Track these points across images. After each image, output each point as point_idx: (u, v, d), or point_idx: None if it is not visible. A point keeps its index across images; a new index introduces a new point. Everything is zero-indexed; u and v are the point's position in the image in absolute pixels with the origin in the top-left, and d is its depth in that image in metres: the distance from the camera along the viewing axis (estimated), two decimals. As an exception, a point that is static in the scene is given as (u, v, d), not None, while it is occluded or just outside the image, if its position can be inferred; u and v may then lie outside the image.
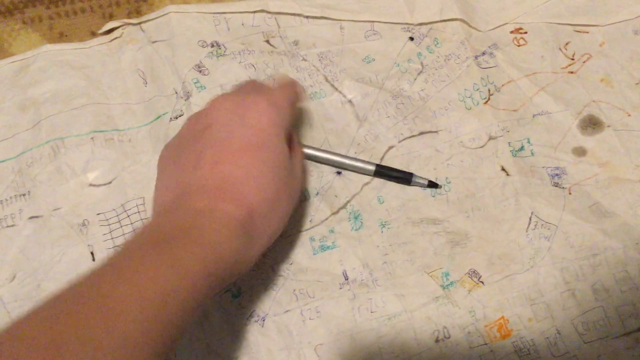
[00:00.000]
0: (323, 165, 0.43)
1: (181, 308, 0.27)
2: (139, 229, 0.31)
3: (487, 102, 0.45)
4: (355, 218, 0.42)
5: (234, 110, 0.35)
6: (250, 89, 0.38)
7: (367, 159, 0.43)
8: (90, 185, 0.43)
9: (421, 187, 0.43)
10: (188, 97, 0.44)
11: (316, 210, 0.42)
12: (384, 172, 0.43)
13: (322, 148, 0.43)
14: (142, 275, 0.27)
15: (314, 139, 0.44)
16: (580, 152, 0.44)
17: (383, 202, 0.42)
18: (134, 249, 0.29)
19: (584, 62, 0.46)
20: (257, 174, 0.33)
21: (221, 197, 0.32)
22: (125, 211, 0.42)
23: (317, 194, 0.43)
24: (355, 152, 0.44)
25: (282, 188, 0.34)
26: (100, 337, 0.24)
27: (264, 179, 0.33)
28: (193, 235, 0.30)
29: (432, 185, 0.42)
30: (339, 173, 0.43)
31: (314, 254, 0.41)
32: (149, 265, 0.28)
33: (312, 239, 0.42)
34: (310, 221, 0.42)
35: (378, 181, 0.43)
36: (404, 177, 0.42)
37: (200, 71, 0.46)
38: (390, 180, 0.43)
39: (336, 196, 0.43)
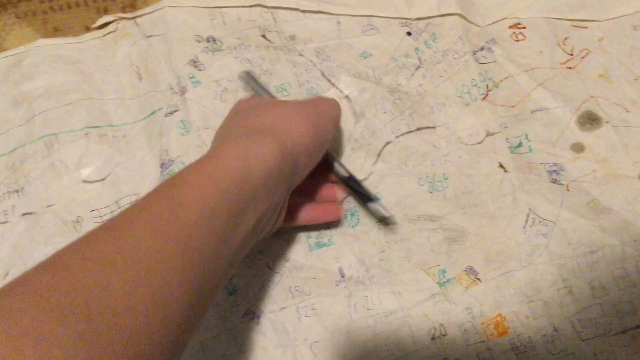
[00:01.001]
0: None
1: (194, 217, 0.28)
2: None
3: (485, 97, 0.44)
4: (352, 215, 0.42)
5: (305, 101, 0.38)
6: None
7: (363, 156, 0.43)
8: (84, 181, 0.42)
9: (375, 214, 0.41)
10: (183, 93, 0.44)
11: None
12: (352, 185, 0.41)
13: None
14: (149, 199, 0.28)
15: (310, 135, 0.44)
16: (578, 148, 0.43)
17: (380, 198, 0.42)
18: (148, 193, 0.31)
19: (582, 57, 0.46)
20: (309, 129, 0.35)
21: (275, 134, 0.33)
22: (119, 208, 0.42)
23: (313, 190, 0.42)
24: (352, 148, 0.43)
25: (321, 147, 0.37)
26: (111, 254, 0.25)
27: (311, 134, 0.35)
28: (261, 138, 0.32)
29: (383, 220, 0.41)
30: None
31: (310, 251, 0.41)
32: (155, 192, 0.29)
33: (308, 236, 0.41)
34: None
35: (375, 177, 0.43)
36: (366, 197, 0.41)
37: (195, 66, 0.45)
38: (355, 194, 0.42)
39: (332, 193, 0.42)
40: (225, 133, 0.35)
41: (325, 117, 0.38)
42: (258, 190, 0.31)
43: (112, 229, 0.26)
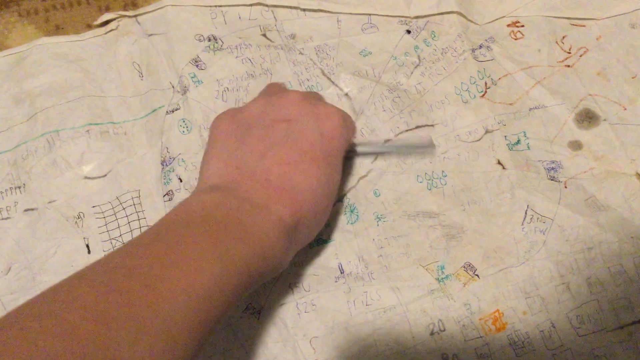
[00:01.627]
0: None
1: (223, 301, 0.28)
2: (190, 200, 0.32)
3: (483, 95, 0.45)
4: (351, 211, 0.42)
5: (312, 112, 0.35)
6: (318, 97, 0.39)
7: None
8: (86, 177, 0.43)
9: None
10: (185, 92, 0.44)
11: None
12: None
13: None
14: (193, 263, 0.28)
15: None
16: (576, 145, 0.44)
17: (379, 195, 0.42)
18: (187, 227, 0.30)
19: (580, 55, 0.46)
20: (317, 186, 0.34)
21: (280, 198, 0.32)
22: (120, 204, 0.42)
23: (313, 187, 0.43)
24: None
25: (329, 202, 0.36)
26: (147, 317, 0.25)
27: (320, 192, 0.34)
28: (246, 230, 0.30)
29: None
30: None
31: (310, 247, 0.41)
32: (201, 254, 0.28)
33: (307, 233, 0.42)
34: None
35: (374, 174, 0.43)
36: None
37: (197, 65, 0.45)
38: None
39: (332, 189, 0.43)
40: (220, 173, 0.34)
41: (338, 156, 0.36)
42: (270, 277, 0.33)
43: (151, 289, 0.26)
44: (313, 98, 0.38)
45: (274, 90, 0.39)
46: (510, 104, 0.45)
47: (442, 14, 0.47)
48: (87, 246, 0.41)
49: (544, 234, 0.41)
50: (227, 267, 0.28)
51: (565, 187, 0.42)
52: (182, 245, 0.29)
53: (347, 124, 0.37)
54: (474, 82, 0.45)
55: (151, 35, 0.46)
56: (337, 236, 0.42)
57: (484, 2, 0.48)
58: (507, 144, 0.43)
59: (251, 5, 0.47)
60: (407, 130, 0.44)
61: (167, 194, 0.42)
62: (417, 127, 0.44)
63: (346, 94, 0.45)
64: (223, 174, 0.34)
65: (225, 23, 0.47)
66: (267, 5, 0.47)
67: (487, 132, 0.44)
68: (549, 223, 0.41)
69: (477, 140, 0.44)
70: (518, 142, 0.44)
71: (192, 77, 0.45)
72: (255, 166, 0.33)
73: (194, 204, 0.32)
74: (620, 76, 0.45)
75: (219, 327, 0.30)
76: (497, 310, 0.40)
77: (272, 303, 0.40)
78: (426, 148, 0.42)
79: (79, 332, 0.22)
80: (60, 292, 0.25)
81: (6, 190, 0.42)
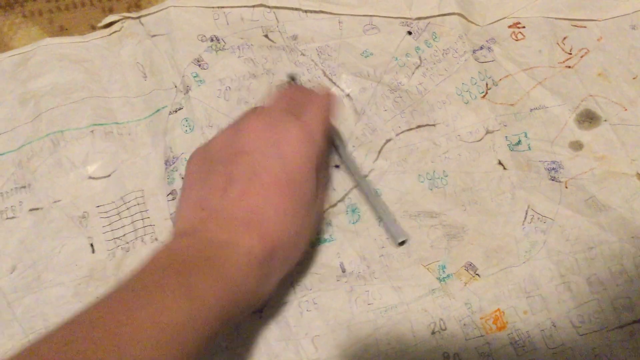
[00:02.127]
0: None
1: (195, 338, 0.28)
2: (159, 250, 0.31)
3: (484, 96, 0.45)
4: (353, 211, 0.43)
5: (270, 139, 0.34)
6: (285, 105, 0.38)
7: (364, 154, 0.43)
8: (90, 177, 0.43)
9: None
10: (187, 91, 0.45)
11: (314, 203, 0.43)
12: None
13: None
14: (158, 303, 0.27)
15: (312, 133, 0.44)
16: (576, 146, 0.44)
17: (380, 194, 0.43)
18: (153, 273, 0.30)
19: (581, 56, 0.46)
20: (285, 211, 0.33)
21: (247, 231, 0.32)
22: (124, 203, 0.43)
23: (315, 187, 0.43)
24: (354, 146, 0.44)
25: (306, 223, 0.35)
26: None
27: (290, 216, 0.33)
28: (213, 267, 0.30)
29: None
30: (337, 167, 0.44)
31: (312, 247, 0.42)
32: (167, 294, 0.28)
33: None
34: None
35: (376, 174, 0.43)
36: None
37: (199, 65, 0.46)
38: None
39: (334, 189, 0.43)
40: (188, 217, 0.34)
41: (306, 174, 0.35)
42: (251, 310, 0.33)
43: (116, 335, 0.26)
44: (273, 121, 0.36)
45: (243, 117, 0.38)
46: (511, 105, 0.45)
47: (443, 15, 0.47)
48: (92, 245, 0.42)
49: (544, 233, 0.41)
50: (196, 304, 0.28)
51: (566, 187, 0.43)
52: (147, 289, 0.28)
53: (312, 137, 0.35)
54: (475, 83, 0.45)
55: (154, 36, 0.47)
56: (339, 235, 0.42)
57: (484, 4, 0.48)
58: (508, 145, 0.44)
59: (253, 6, 0.47)
60: (408, 130, 0.44)
61: (170, 193, 0.43)
62: (419, 126, 0.44)
63: (348, 95, 0.45)
64: (190, 217, 0.34)
65: (228, 24, 0.47)
66: (269, 7, 0.47)
67: (488, 132, 0.44)
68: (550, 223, 0.42)
69: (478, 141, 0.44)
70: (519, 142, 0.44)
71: (195, 77, 0.45)
72: (218, 204, 0.33)
73: (162, 252, 0.31)
74: (621, 77, 0.45)
75: None
76: (498, 310, 0.40)
77: (274, 302, 0.40)
78: (392, 237, 0.41)
79: None
80: (22, 353, 0.25)
81: (11, 190, 0.43)
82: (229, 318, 0.30)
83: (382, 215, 0.41)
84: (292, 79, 0.45)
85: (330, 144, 0.43)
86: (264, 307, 0.40)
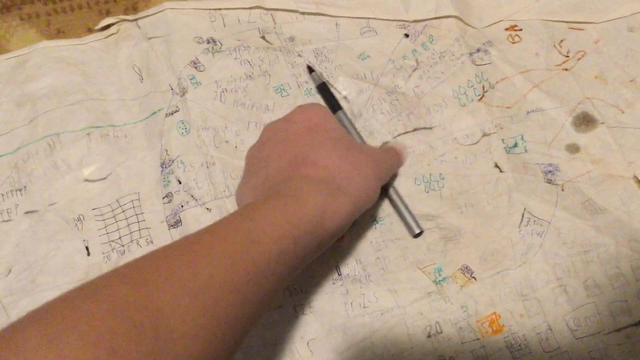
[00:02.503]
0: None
1: (266, 257, 0.29)
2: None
3: (481, 99, 0.45)
4: (349, 214, 0.42)
5: (283, 121, 0.39)
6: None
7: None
8: (86, 180, 0.43)
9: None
10: (184, 94, 0.45)
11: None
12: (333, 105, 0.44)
13: None
14: (226, 227, 0.29)
15: (308, 135, 0.44)
16: (573, 149, 0.44)
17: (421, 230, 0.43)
18: (223, 219, 0.31)
19: (578, 59, 0.46)
20: (322, 143, 0.36)
21: (296, 168, 0.35)
22: (120, 206, 0.43)
23: (311, 189, 0.43)
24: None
25: (352, 148, 0.37)
26: (186, 277, 0.26)
27: (330, 145, 0.36)
28: (275, 194, 0.32)
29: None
30: None
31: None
32: (232, 221, 0.30)
33: (306, 235, 0.42)
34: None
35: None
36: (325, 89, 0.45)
37: (196, 67, 0.46)
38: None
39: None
40: (292, 166, 0.35)
41: (388, 174, 0.40)
42: (324, 243, 0.33)
43: (190, 251, 0.27)
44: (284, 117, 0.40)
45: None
46: (508, 108, 0.45)
47: (440, 18, 0.47)
48: (87, 248, 0.41)
49: (541, 236, 0.41)
50: (262, 225, 0.30)
51: (563, 190, 0.43)
52: (218, 222, 0.30)
53: (316, 104, 0.40)
54: (472, 86, 0.45)
55: (151, 38, 0.47)
56: (335, 239, 0.42)
57: (482, 6, 0.48)
58: (504, 147, 0.44)
59: (250, 8, 0.47)
60: (405, 133, 0.44)
61: (166, 196, 0.43)
62: (415, 129, 0.44)
63: (345, 97, 0.45)
64: (251, 193, 0.36)
65: (225, 26, 0.47)
66: (266, 9, 0.47)
67: (484, 135, 0.44)
68: (546, 226, 0.42)
69: (475, 144, 0.44)
70: (515, 145, 0.44)
71: (191, 79, 0.45)
72: (265, 175, 0.36)
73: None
74: (618, 79, 0.45)
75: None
76: (494, 313, 0.40)
77: (269, 306, 0.40)
78: (409, 228, 0.42)
79: (115, 295, 0.23)
80: (109, 271, 0.26)
81: (7, 192, 0.43)
82: (301, 238, 0.31)
83: (401, 207, 0.42)
84: (311, 70, 0.45)
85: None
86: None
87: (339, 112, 0.44)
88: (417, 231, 0.41)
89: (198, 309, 0.25)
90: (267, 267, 0.29)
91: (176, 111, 0.45)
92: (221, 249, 0.28)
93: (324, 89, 0.45)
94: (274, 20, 0.48)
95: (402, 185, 0.43)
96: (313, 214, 0.32)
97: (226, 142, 0.44)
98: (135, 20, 0.47)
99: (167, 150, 0.44)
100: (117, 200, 0.43)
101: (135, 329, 0.22)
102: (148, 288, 0.24)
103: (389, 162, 0.40)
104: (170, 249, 0.28)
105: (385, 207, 0.42)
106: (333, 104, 0.44)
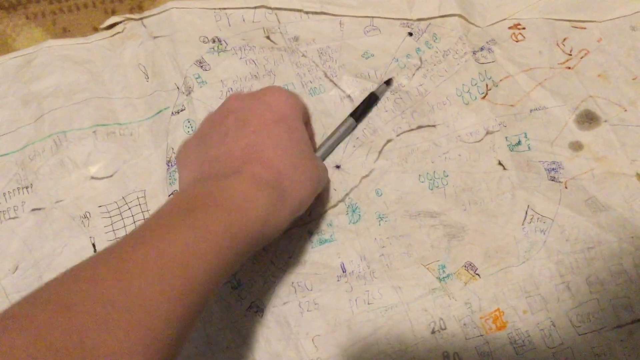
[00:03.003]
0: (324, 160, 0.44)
1: (206, 269, 0.28)
2: (163, 205, 0.32)
3: (484, 97, 0.45)
4: (353, 211, 0.43)
5: (253, 97, 0.37)
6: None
7: (364, 154, 0.44)
8: (92, 178, 0.43)
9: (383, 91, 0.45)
10: (189, 93, 0.45)
11: (314, 203, 0.43)
12: (357, 112, 0.44)
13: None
14: (162, 238, 0.28)
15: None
16: (576, 146, 0.44)
17: (381, 194, 0.43)
18: (157, 218, 0.30)
19: (581, 57, 0.46)
20: (280, 141, 0.34)
21: (248, 161, 0.33)
22: (126, 203, 0.43)
23: (316, 187, 0.43)
24: (354, 146, 0.44)
25: (306, 157, 0.36)
26: (114, 296, 0.24)
27: (287, 146, 0.35)
28: (217, 198, 0.30)
29: (388, 82, 0.45)
30: (337, 167, 0.44)
31: (312, 247, 0.42)
32: (170, 229, 0.28)
33: (310, 233, 0.42)
34: (308, 215, 0.43)
35: (376, 174, 0.43)
36: (371, 100, 0.45)
37: (201, 66, 0.46)
38: (368, 112, 0.45)
39: (335, 189, 0.43)
40: (245, 156, 0.34)
41: (294, 118, 0.37)
42: (260, 247, 0.33)
43: (118, 270, 0.26)
44: (255, 91, 0.38)
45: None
46: (511, 106, 0.45)
47: (443, 16, 0.47)
48: (94, 245, 0.42)
49: (544, 233, 0.42)
50: (202, 234, 0.28)
51: (566, 187, 0.43)
52: (152, 228, 0.29)
53: (294, 95, 0.38)
54: (475, 84, 0.45)
55: (156, 37, 0.47)
56: (339, 236, 0.42)
57: (485, 5, 0.48)
58: (508, 145, 0.44)
59: (255, 7, 0.48)
60: (409, 130, 0.44)
61: (172, 193, 0.43)
62: (419, 127, 0.45)
63: (348, 96, 0.46)
64: (190, 172, 0.35)
65: (229, 25, 0.47)
66: (270, 8, 0.48)
67: (488, 133, 0.44)
68: (550, 223, 0.42)
69: (478, 141, 0.44)
70: (519, 143, 0.44)
71: (197, 78, 0.46)
72: (216, 152, 0.34)
73: (167, 201, 0.32)
74: (621, 78, 0.46)
75: (209, 300, 0.29)
76: (498, 309, 0.40)
77: (275, 302, 0.40)
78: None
79: (37, 323, 0.23)
80: (32, 294, 0.25)
81: (14, 190, 0.43)
82: (240, 247, 0.30)
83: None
84: (387, 83, 0.46)
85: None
86: (265, 308, 0.40)
87: (349, 119, 0.44)
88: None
89: (131, 324, 0.24)
90: (205, 276, 0.28)
91: (182, 110, 0.45)
92: (157, 265, 0.26)
93: (373, 99, 0.45)
94: (278, 19, 0.48)
95: (406, 182, 0.43)
96: (255, 225, 0.31)
97: (231, 140, 0.44)
98: (141, 19, 0.48)
99: (173, 149, 0.44)
100: (123, 198, 0.43)
101: (59, 354, 0.22)
102: (72, 311, 0.23)
103: (325, 178, 0.39)
104: (98, 266, 0.26)
105: (390, 205, 0.42)
106: (361, 114, 0.44)
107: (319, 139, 0.44)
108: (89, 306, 0.24)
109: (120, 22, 0.48)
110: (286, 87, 0.46)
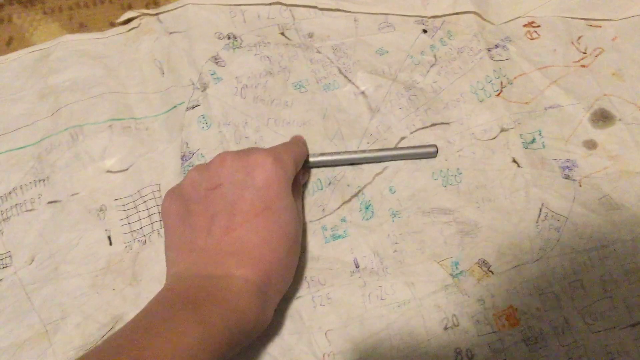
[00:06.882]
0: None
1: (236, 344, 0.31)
2: (163, 291, 0.34)
3: (499, 94, 0.45)
4: (367, 208, 0.43)
5: (241, 168, 0.36)
6: (248, 150, 0.39)
7: (379, 148, 0.44)
8: (108, 171, 0.44)
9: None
10: (205, 89, 0.45)
11: (328, 199, 0.43)
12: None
13: (332, 152, 0.44)
14: (175, 330, 0.29)
15: (327, 130, 0.45)
16: (591, 145, 0.44)
17: (394, 191, 0.43)
18: (162, 309, 0.32)
19: (596, 56, 0.46)
20: (269, 237, 0.35)
21: (239, 264, 0.34)
22: (141, 197, 0.43)
23: (330, 183, 0.43)
24: (368, 143, 0.44)
25: (293, 245, 0.37)
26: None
27: (276, 241, 0.35)
28: (216, 297, 0.32)
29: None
30: (351, 164, 0.44)
31: (326, 243, 0.42)
32: (181, 322, 0.30)
33: (324, 228, 0.42)
34: (322, 210, 0.43)
35: (390, 171, 0.43)
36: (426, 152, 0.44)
37: (217, 63, 0.46)
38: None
39: (348, 185, 0.43)
40: (232, 252, 0.35)
41: (282, 197, 0.36)
42: (254, 337, 0.35)
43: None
44: (243, 153, 0.38)
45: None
46: (526, 103, 0.45)
47: (458, 13, 0.47)
48: (109, 238, 0.42)
49: (558, 231, 0.41)
50: (208, 329, 0.30)
51: (580, 185, 0.43)
52: (162, 319, 0.30)
53: (282, 162, 0.37)
54: (490, 81, 0.45)
55: (172, 33, 0.47)
56: (353, 231, 0.42)
57: (500, 3, 0.48)
58: (522, 143, 0.44)
59: (270, 4, 0.48)
60: (423, 128, 0.44)
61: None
62: (433, 124, 0.45)
63: (362, 92, 0.46)
64: (181, 261, 0.36)
65: (245, 22, 0.48)
66: (285, 5, 0.48)
67: (502, 130, 0.44)
68: (564, 221, 0.42)
69: (493, 139, 0.44)
70: (533, 140, 0.44)
71: (212, 74, 0.46)
72: (205, 244, 0.35)
73: (164, 292, 0.34)
74: (636, 76, 0.45)
75: None
76: (511, 306, 0.40)
77: (288, 296, 0.41)
78: (427, 154, 0.43)
79: None
80: None
81: (31, 182, 0.44)
82: (236, 343, 0.32)
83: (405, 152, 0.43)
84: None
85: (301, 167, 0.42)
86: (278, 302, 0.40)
87: (364, 151, 0.44)
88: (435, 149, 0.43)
89: None
90: None
91: (197, 105, 0.45)
92: (169, 354, 0.28)
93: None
94: (292, 16, 0.48)
95: (420, 179, 0.43)
96: (249, 325, 0.33)
97: (246, 137, 0.44)
98: (157, 14, 0.48)
99: (187, 144, 0.44)
100: (138, 191, 0.43)
101: None
102: None
103: (300, 232, 0.40)
104: (119, 353, 0.28)
105: (403, 201, 0.43)
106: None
107: (331, 135, 0.44)
108: None
109: (136, 18, 0.48)
110: (301, 84, 0.46)
